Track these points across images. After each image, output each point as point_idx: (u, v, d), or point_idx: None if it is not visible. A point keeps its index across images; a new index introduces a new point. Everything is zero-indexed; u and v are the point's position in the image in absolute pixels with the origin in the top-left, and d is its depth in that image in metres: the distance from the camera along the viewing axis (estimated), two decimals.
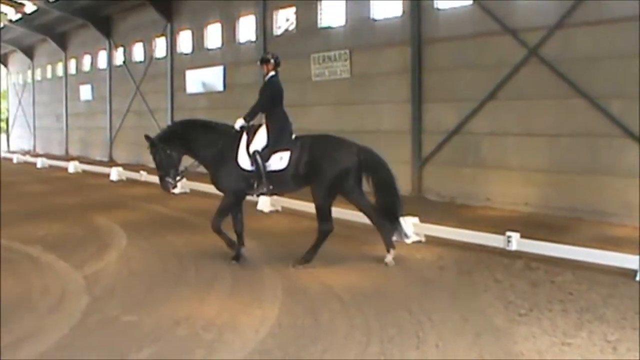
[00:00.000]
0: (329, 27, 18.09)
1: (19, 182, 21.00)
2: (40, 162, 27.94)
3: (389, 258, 8.71)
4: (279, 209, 13.50)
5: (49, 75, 38.76)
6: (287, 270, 8.37)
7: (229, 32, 22.00)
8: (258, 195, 9.01)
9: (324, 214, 8.67)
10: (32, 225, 12.20)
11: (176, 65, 25.10)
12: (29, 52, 40.54)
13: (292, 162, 8.60)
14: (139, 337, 5.93)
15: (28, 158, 31.94)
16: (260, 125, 8.79)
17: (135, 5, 26.65)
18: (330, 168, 8.52)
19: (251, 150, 8.60)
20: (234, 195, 8.81)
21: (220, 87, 22.51)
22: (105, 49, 30.74)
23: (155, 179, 18.04)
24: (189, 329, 6.14)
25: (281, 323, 6.30)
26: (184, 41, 24.81)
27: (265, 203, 13.52)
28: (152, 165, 24.12)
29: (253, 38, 20.91)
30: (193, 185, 16.58)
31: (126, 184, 20.01)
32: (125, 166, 23.00)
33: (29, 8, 32.25)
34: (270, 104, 8.80)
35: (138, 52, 28.39)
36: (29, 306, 6.99)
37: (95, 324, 6.36)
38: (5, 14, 34.75)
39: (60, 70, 36.74)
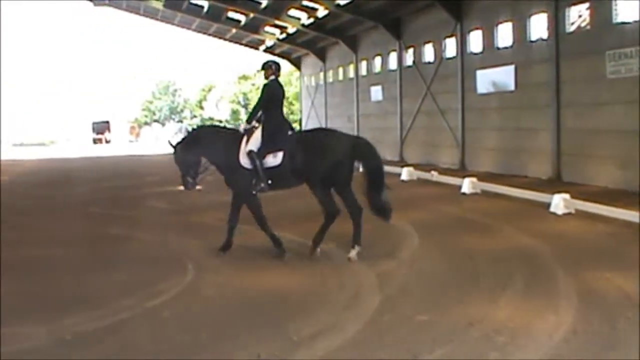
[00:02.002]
0: (624, 23, 19.41)
1: None
2: None
3: (352, 253, 10.15)
4: (572, 211, 14.43)
5: (340, 77, 43.88)
6: (583, 276, 8.87)
7: (520, 30, 23.97)
8: (257, 192, 10.36)
9: (325, 204, 10.20)
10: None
11: (466, 65, 27.64)
12: (320, 55, 46.09)
13: (287, 157, 10.09)
14: (431, 337, 6.56)
15: None
16: (255, 127, 10.49)
17: (425, 6, 29.67)
18: (322, 160, 9.96)
19: (247, 150, 10.25)
20: (245, 193, 10.47)
21: (512, 87, 24.50)
22: (395, 50, 34.40)
23: (447, 179, 21.13)
24: (482, 331, 6.70)
25: (576, 329, 6.71)
26: (474, 41, 27.25)
27: (558, 205, 14.59)
28: (444, 165, 28.02)
29: (544, 36, 22.79)
30: (485, 187, 18.73)
31: (417, 184, 22.45)
32: (416, 166, 25.68)
33: (321, 12, 36.77)
34: (267, 106, 10.47)
35: (428, 52, 31.48)
36: (324, 301, 7.98)
37: (388, 322, 7.12)
38: (299, 19, 40.04)
39: (351, 72, 41.44)
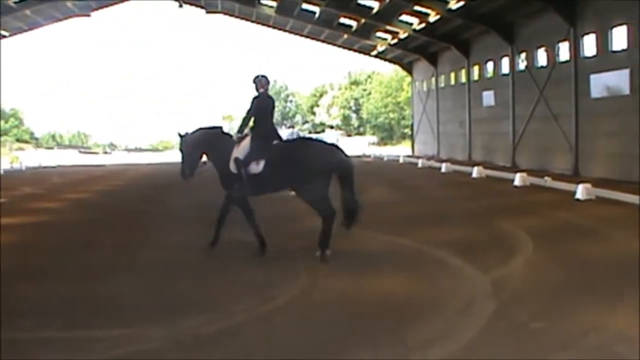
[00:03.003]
0: None
1: (425, 187, 25.16)
2: (444, 167, 32.75)
3: (324, 254, 10.73)
4: None
5: (451, 82, 44.39)
6: None
7: (635, 33, 23.72)
8: (239, 195, 11.28)
9: (323, 205, 10.75)
10: (438, 228, 14.19)
11: (580, 70, 27.58)
12: (432, 60, 46.68)
13: (268, 166, 10.88)
14: (546, 345, 6.55)
15: (432, 163, 37.28)
16: (246, 136, 11.30)
17: (537, 10, 29.81)
18: (317, 165, 10.63)
19: (234, 156, 11.13)
20: (229, 193, 11.43)
21: (626, 91, 24.32)
22: (507, 54, 34.64)
23: (560, 185, 21.27)
24: (599, 340, 6.65)
25: None
26: (588, 45, 27.16)
27: None
28: (557, 171, 27.81)
29: None
30: (599, 193, 18.81)
31: (530, 189, 22.51)
32: (529, 172, 25.77)
33: (432, 17, 37.32)
34: (256, 117, 11.26)
35: (541, 57, 31.59)
36: (439, 308, 8.05)
37: (502, 329, 7.12)
38: (410, 24, 40.76)
39: (463, 77, 41.91)
